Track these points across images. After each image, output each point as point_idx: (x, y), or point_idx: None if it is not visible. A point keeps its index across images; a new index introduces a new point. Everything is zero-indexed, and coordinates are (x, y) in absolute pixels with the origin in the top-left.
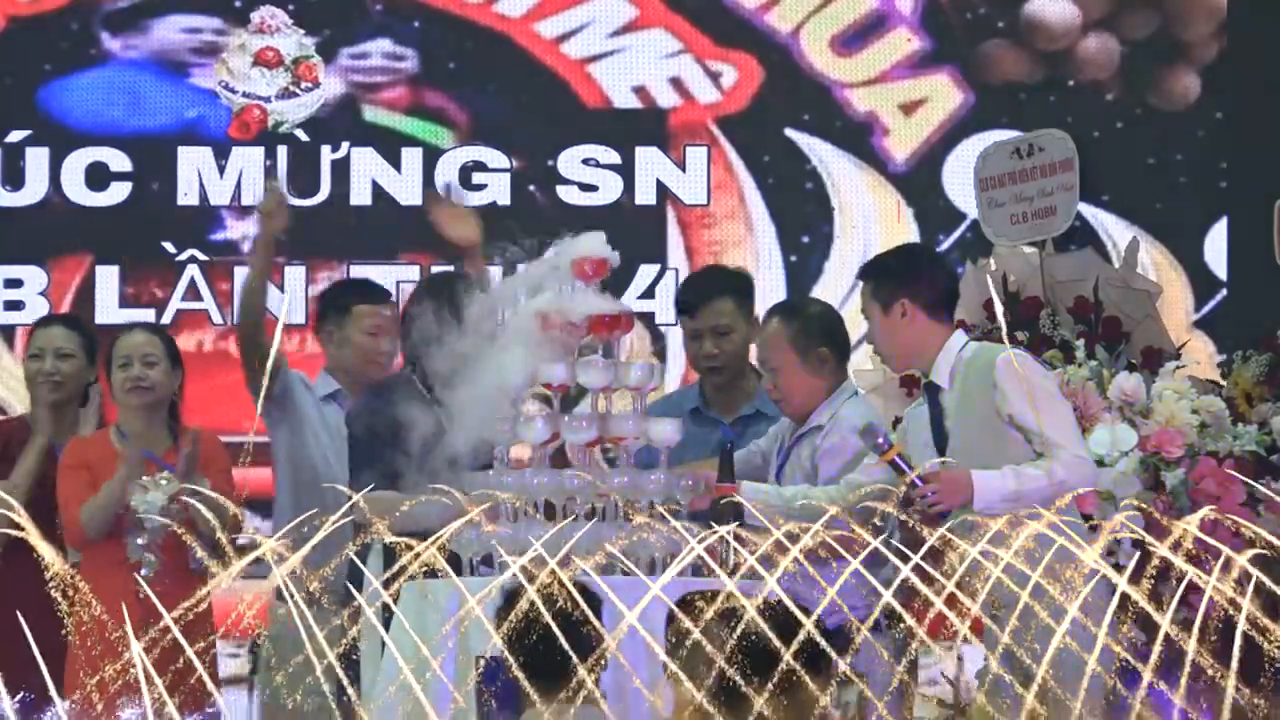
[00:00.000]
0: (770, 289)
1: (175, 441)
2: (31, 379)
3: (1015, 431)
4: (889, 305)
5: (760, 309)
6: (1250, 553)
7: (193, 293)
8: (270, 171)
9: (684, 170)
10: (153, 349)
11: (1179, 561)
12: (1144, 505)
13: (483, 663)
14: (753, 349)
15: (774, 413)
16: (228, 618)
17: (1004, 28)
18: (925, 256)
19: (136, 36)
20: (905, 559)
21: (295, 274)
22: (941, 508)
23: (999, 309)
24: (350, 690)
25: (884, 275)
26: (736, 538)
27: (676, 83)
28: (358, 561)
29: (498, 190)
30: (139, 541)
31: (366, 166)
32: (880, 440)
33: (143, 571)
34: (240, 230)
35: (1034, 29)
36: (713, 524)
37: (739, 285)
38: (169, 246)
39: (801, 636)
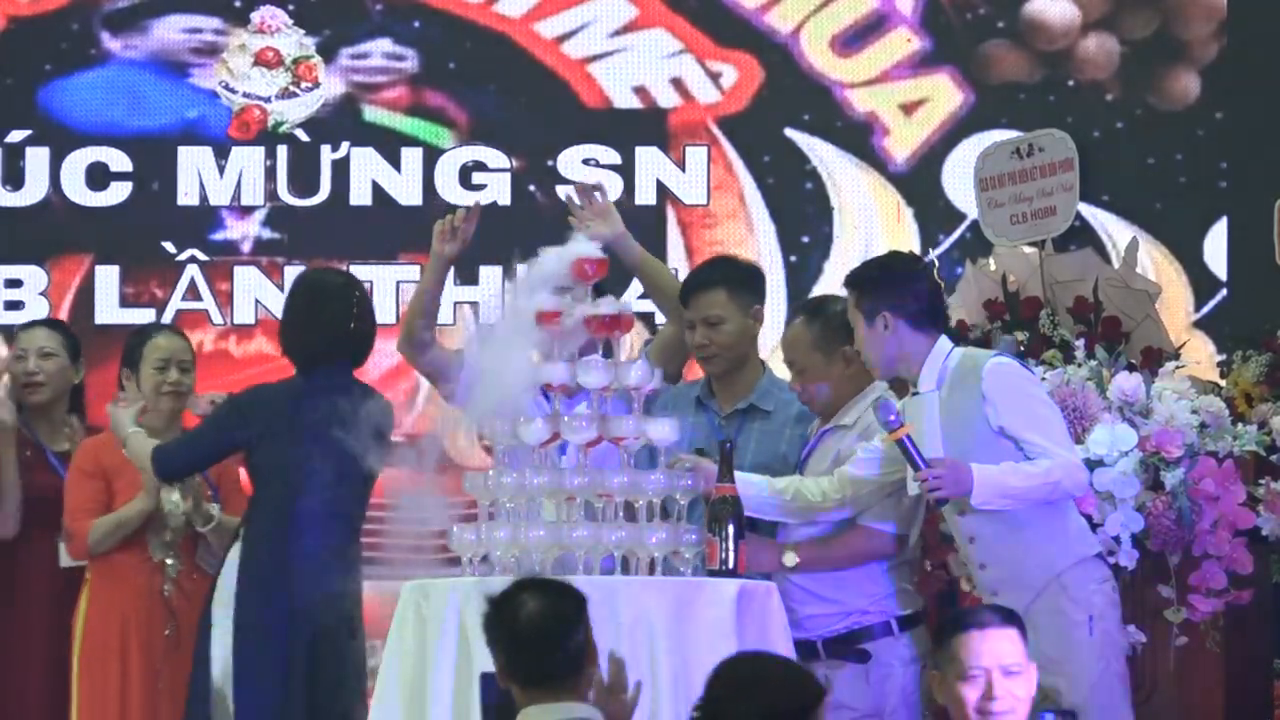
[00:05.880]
0: (770, 289)
1: None
2: (15, 380)
3: (1007, 440)
4: (871, 316)
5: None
6: None
7: (193, 293)
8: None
9: (684, 170)
10: (187, 355)
11: None
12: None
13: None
14: (760, 340)
15: (770, 406)
16: None
17: (1004, 28)
18: (909, 267)
19: (136, 36)
20: None
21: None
22: (941, 494)
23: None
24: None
25: (866, 286)
26: None
27: (676, 83)
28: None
29: (498, 190)
30: (165, 540)
31: (366, 166)
32: (891, 418)
33: (170, 570)
34: (240, 230)
35: (1034, 29)
36: (712, 523)
37: (735, 275)
38: (169, 246)
39: None
